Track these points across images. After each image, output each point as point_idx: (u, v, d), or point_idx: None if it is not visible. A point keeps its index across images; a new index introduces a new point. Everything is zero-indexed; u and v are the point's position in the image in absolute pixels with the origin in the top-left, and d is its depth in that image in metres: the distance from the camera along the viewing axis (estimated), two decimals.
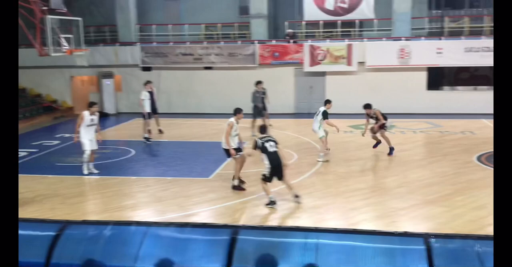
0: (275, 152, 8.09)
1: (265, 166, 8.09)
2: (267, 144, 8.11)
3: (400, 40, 19.18)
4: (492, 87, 19.45)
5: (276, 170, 8.03)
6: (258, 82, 15.34)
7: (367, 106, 11.99)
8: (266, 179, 8.09)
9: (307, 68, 19.63)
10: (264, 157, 8.06)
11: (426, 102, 19.32)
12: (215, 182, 9.53)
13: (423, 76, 19.25)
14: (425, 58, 18.62)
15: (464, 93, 19.65)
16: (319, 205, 8.23)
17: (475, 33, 19.82)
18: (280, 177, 8.15)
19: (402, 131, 15.47)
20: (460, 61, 18.52)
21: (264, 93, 15.30)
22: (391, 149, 11.79)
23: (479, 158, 11.40)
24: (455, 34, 20.30)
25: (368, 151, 12.68)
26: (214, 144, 12.16)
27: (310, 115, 20.05)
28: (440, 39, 19.13)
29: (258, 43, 20.11)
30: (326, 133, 11.63)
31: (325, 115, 11.53)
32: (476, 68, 19.81)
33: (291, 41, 19.90)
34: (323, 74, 19.97)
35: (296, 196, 8.23)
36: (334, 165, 11.04)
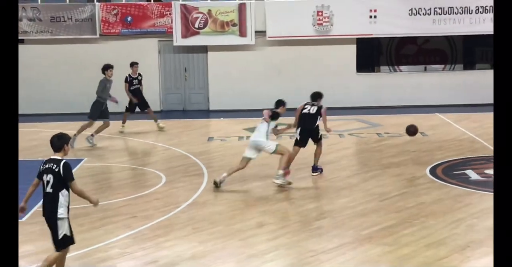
0: (47, 196, 7.00)
1: None
2: (44, 177, 6.97)
3: None
4: (450, 65, 21.02)
5: None
6: (135, 63, 16.87)
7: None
8: None
9: (179, 40, 19.69)
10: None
11: (356, 90, 20.29)
12: (34, 227, 9.16)
13: (351, 52, 20.19)
14: (353, 25, 19.57)
15: (411, 76, 20.96)
16: (201, 253, 8.24)
17: None
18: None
19: (324, 135, 16.05)
20: (404, 29, 19.73)
21: (140, 80, 16.85)
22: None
23: (433, 171, 12.15)
24: None
25: (275, 164, 12.92)
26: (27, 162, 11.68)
27: (186, 114, 20.41)
28: None
29: (99, 1, 19.76)
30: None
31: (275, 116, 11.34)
32: (427, 39, 21.23)
33: None
34: (203, 49, 20.17)
35: None
36: (223, 191, 11.13)
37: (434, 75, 20.90)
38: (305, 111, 12.10)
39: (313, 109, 12.07)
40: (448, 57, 21.51)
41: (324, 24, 19.57)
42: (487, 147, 14.15)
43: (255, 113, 19.18)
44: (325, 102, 19.55)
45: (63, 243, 6.99)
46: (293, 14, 19.48)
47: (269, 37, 19.61)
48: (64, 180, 6.89)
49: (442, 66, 21.47)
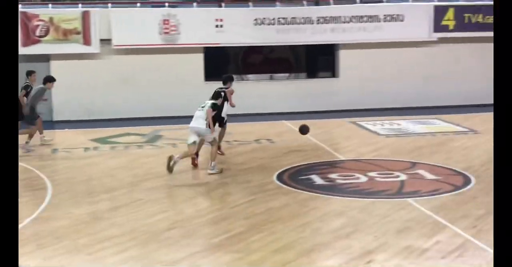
0: None
1: None
2: None
3: (163, 6, 19.90)
4: (295, 74, 21.67)
5: None
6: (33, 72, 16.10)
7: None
8: None
9: (19, 49, 18.91)
10: None
11: (205, 98, 20.26)
12: None
13: (199, 61, 20.30)
14: (200, 34, 19.69)
15: (257, 85, 21.37)
16: None
17: None
18: None
19: (173, 144, 16.01)
20: (249, 39, 20.09)
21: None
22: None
23: (280, 177, 12.43)
24: None
25: (122, 175, 12.78)
26: None
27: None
28: (219, 6, 20.45)
29: None
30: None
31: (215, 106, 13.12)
32: (272, 49, 21.75)
33: None
34: (45, 58, 19.52)
35: None
36: (67, 204, 10.82)
37: (279, 84, 21.42)
38: None
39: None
40: (292, 66, 22.14)
41: (171, 33, 19.54)
42: (330, 152, 14.69)
43: (102, 123, 18.90)
44: (173, 112, 19.78)
45: None
46: (139, 23, 19.31)
47: (115, 45, 19.30)
48: None
49: (287, 74, 22.05)
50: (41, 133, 15.89)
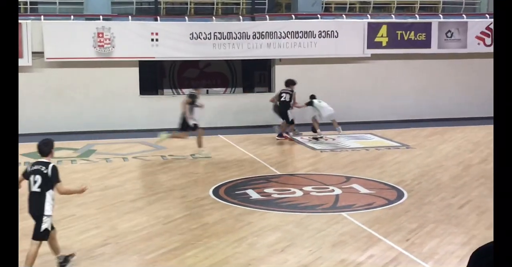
0: (34, 194, 8.11)
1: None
2: (31, 178, 8.17)
3: (97, 19, 19.66)
4: (231, 89, 21.69)
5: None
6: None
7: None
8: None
9: None
10: None
11: (140, 112, 20.22)
12: None
13: (134, 75, 20.11)
14: (135, 47, 19.51)
15: None
16: None
17: (203, 13, 21.73)
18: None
19: (107, 159, 15.79)
20: (185, 53, 20.01)
21: None
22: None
23: (216, 192, 12.39)
24: (175, 12, 21.85)
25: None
26: None
27: None
28: (155, 20, 20.33)
29: None
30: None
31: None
32: (208, 63, 21.73)
33: None
34: None
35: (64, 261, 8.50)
36: None
37: (215, 98, 21.39)
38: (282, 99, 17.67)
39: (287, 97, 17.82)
40: (228, 80, 22.16)
41: (105, 46, 19.29)
42: (266, 166, 14.72)
43: (34, 137, 18.41)
44: (107, 125, 19.49)
45: (42, 236, 8.07)
46: (73, 35, 19.02)
47: (47, 58, 18.94)
48: (51, 181, 8.00)
49: (224, 89, 22.06)
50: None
